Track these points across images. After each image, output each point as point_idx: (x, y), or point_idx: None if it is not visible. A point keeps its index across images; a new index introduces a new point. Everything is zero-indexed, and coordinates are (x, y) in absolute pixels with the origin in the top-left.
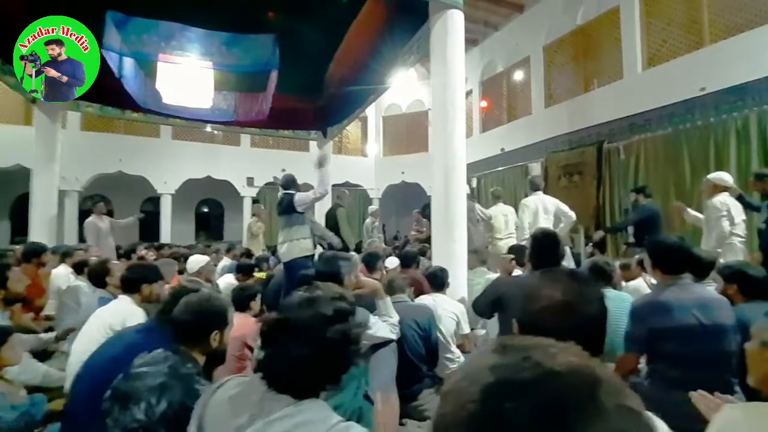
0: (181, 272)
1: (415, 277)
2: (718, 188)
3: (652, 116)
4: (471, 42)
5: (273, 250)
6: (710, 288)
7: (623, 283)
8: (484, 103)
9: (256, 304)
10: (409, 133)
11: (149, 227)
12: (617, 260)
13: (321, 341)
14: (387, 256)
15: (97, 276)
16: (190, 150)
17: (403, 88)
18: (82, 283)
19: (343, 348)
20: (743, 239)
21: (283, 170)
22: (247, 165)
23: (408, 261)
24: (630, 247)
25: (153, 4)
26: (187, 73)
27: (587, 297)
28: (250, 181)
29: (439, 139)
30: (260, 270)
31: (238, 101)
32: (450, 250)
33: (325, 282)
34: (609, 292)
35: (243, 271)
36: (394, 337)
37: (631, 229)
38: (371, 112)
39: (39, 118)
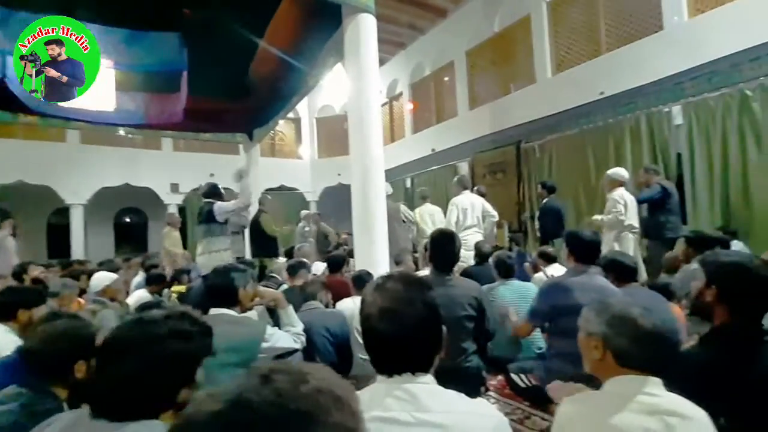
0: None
1: (341, 281)
2: (616, 183)
3: (561, 117)
4: (399, 45)
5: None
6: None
7: (533, 275)
8: (410, 105)
9: None
10: (344, 134)
11: (59, 242)
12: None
13: (146, 361)
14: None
15: None
16: (103, 155)
17: (336, 89)
18: None
19: (173, 370)
20: (636, 231)
21: (212, 175)
22: (170, 170)
23: (335, 266)
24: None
25: None
26: None
27: (408, 301)
28: (174, 188)
29: (356, 141)
30: (179, 283)
31: (147, 103)
32: (370, 252)
33: (217, 295)
34: (511, 283)
35: (153, 282)
36: (297, 346)
37: (537, 224)
38: (304, 113)
39: None
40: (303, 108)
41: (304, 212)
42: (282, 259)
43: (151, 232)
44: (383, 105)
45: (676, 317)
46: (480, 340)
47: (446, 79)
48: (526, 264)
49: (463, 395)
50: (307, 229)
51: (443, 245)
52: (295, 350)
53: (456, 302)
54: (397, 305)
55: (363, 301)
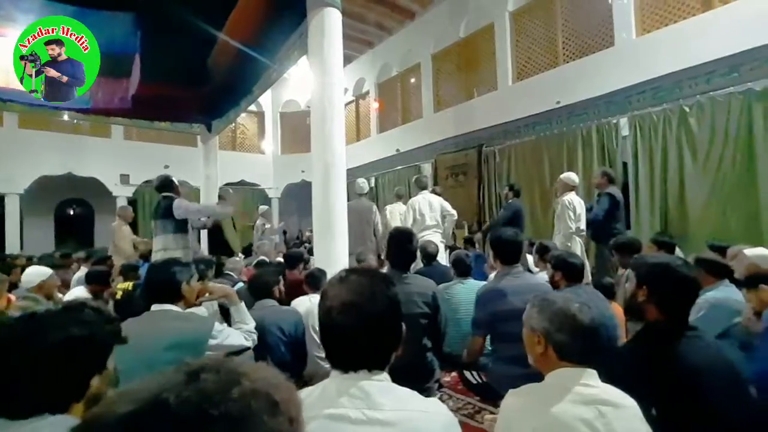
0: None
1: (299, 279)
2: (568, 187)
3: (520, 124)
4: (367, 44)
5: (145, 256)
6: (541, 275)
7: (491, 274)
8: (376, 104)
9: None
10: (309, 130)
11: None
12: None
13: (39, 351)
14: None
15: None
16: (44, 141)
17: (301, 84)
18: None
19: (72, 358)
20: (583, 234)
21: (166, 166)
22: (120, 160)
23: (292, 261)
24: None
25: None
26: None
27: (372, 295)
28: (124, 179)
29: (318, 137)
30: (126, 279)
31: (95, 86)
32: (330, 249)
33: (157, 291)
34: (468, 282)
35: (94, 280)
36: (248, 344)
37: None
38: (268, 107)
39: None
40: (267, 101)
41: (262, 208)
42: (239, 257)
43: (98, 226)
44: (350, 103)
45: (615, 315)
46: (434, 338)
47: (412, 80)
48: (485, 264)
49: (416, 393)
50: (267, 226)
51: (402, 243)
52: (247, 348)
53: (412, 300)
54: (360, 299)
55: (324, 294)
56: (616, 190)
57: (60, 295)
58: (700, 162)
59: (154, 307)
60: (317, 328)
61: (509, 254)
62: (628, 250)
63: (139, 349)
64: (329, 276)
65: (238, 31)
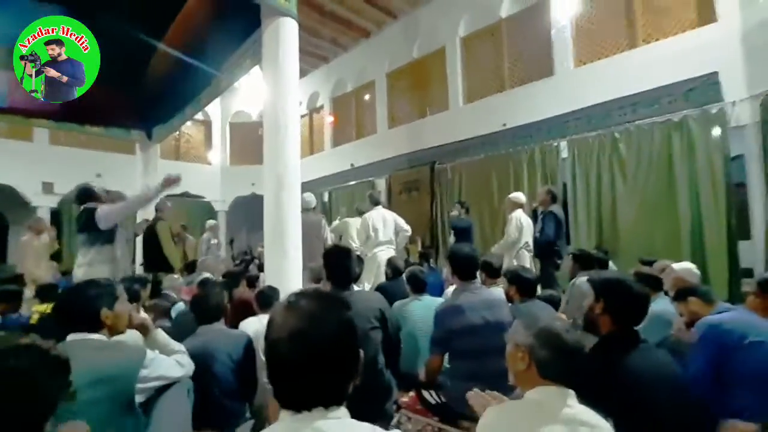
0: None
1: (243, 298)
2: (516, 205)
3: (470, 143)
4: (321, 58)
5: (69, 272)
6: (497, 290)
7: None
8: (330, 119)
9: None
10: (260, 142)
11: None
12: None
13: None
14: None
15: None
16: None
17: (252, 95)
18: None
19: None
20: (531, 249)
21: (98, 175)
22: (43, 166)
23: (234, 281)
24: None
25: None
26: None
27: (322, 321)
28: (47, 188)
29: (271, 149)
30: (42, 301)
31: (12, 82)
32: (282, 266)
33: (71, 319)
34: (424, 298)
35: (3, 300)
36: (181, 373)
37: (452, 239)
38: (216, 117)
39: None
40: (215, 111)
41: (210, 222)
42: (178, 275)
43: (13, 241)
44: (303, 116)
45: None
46: (389, 354)
47: (367, 97)
48: (443, 277)
49: (377, 428)
50: (213, 241)
51: (340, 260)
52: (187, 376)
53: (361, 315)
54: (309, 326)
55: (271, 324)
56: (558, 209)
57: None
58: (629, 184)
59: (71, 337)
60: None
61: (466, 270)
62: (585, 262)
63: None
64: (282, 295)
65: (183, 35)
